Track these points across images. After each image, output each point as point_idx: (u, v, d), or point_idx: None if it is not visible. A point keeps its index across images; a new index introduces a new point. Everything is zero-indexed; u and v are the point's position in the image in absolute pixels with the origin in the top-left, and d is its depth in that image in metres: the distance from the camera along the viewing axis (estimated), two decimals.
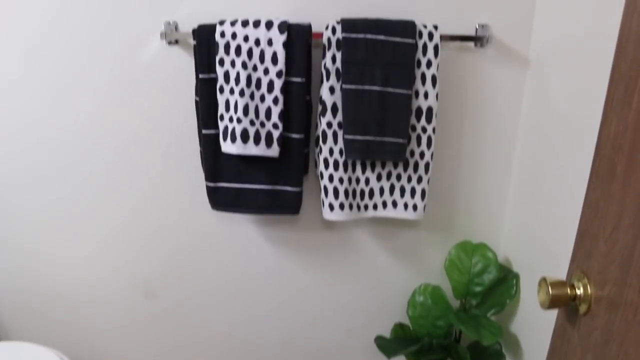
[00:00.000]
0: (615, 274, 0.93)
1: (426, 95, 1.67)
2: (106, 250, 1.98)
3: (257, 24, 1.61)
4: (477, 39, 1.72)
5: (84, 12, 1.71)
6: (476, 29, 1.73)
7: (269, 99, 1.64)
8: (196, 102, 1.72)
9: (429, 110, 1.68)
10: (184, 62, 1.76)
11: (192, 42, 1.67)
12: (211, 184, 1.75)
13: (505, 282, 1.88)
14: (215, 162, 1.73)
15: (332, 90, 1.65)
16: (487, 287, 1.86)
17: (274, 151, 1.67)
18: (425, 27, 1.64)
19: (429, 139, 1.70)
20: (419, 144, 1.71)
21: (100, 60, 1.76)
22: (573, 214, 1.48)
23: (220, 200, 1.77)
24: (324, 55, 1.64)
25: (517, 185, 1.88)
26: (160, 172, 1.89)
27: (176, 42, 1.74)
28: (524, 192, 1.83)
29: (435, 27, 1.65)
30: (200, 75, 1.66)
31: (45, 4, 1.70)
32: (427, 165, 1.73)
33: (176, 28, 1.73)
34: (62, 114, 1.81)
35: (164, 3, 1.71)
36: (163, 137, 1.84)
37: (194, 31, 1.65)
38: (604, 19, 1.35)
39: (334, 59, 1.63)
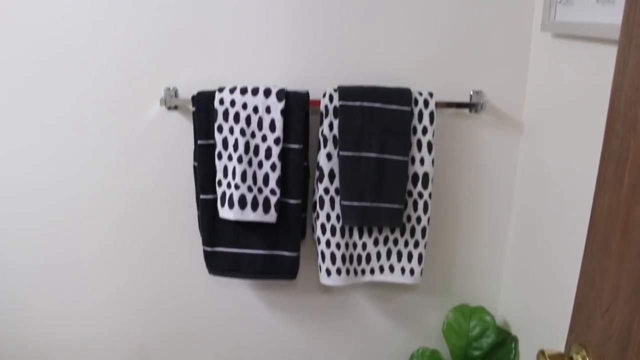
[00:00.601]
0: (614, 349, 0.93)
1: (422, 162, 1.69)
2: (102, 312, 1.96)
3: (255, 91, 1.64)
4: (472, 106, 1.75)
5: (85, 75, 1.74)
6: (471, 95, 1.76)
7: (266, 165, 1.65)
8: (194, 167, 1.73)
9: (425, 176, 1.69)
10: (183, 128, 1.79)
11: (191, 108, 1.70)
12: (208, 249, 1.75)
13: (504, 345, 1.86)
14: (212, 227, 1.73)
15: (329, 156, 1.67)
16: (486, 351, 1.84)
17: (272, 217, 1.68)
18: (420, 94, 1.67)
19: (426, 204, 1.72)
20: (415, 209, 1.72)
21: (100, 124, 1.78)
22: (570, 278, 1.48)
23: (217, 264, 1.77)
24: (321, 122, 1.66)
25: (513, 248, 1.88)
26: (158, 236, 1.89)
27: (175, 107, 1.77)
28: (520, 255, 1.83)
29: (431, 95, 1.68)
30: (199, 141, 1.68)
31: (45, 68, 1.73)
32: (423, 230, 1.74)
33: (176, 94, 1.75)
34: (60, 178, 1.82)
35: (165, 69, 1.74)
36: (161, 201, 1.85)
37: (193, 98, 1.67)
38: (595, 84, 1.38)
39: (331, 126, 1.66)
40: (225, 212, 1.67)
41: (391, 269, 1.78)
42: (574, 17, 1.43)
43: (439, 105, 1.71)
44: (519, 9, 1.71)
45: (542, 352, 1.06)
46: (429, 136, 1.68)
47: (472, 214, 1.89)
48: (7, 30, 1.70)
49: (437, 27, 1.72)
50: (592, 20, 1.34)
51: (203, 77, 1.75)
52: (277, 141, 1.64)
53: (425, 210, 1.72)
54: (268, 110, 1.63)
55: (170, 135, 1.79)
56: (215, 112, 1.65)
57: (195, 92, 1.68)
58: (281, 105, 1.62)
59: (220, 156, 1.66)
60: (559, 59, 1.57)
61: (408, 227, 1.74)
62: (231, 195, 1.66)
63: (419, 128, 1.67)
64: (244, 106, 1.63)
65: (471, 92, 1.77)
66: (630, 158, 0.89)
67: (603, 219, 0.97)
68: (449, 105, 1.74)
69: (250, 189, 1.66)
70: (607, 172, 0.95)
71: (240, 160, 1.64)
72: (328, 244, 1.71)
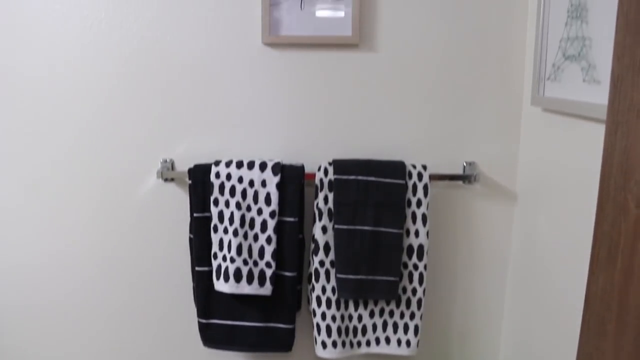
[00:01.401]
0: None
1: (417, 234, 1.69)
2: None
3: (251, 165, 1.66)
4: (465, 177, 1.77)
5: (82, 146, 1.77)
6: (464, 167, 1.79)
7: (262, 238, 1.66)
8: (190, 239, 1.74)
9: (420, 247, 1.70)
10: (179, 200, 1.80)
11: (187, 180, 1.71)
12: (203, 321, 1.74)
13: None
14: (207, 299, 1.73)
15: (324, 229, 1.67)
16: None
17: (267, 290, 1.67)
18: (414, 167, 1.69)
19: (421, 276, 1.71)
20: (410, 280, 1.72)
21: (97, 195, 1.80)
22: (569, 348, 1.47)
23: (212, 337, 1.75)
24: (316, 196, 1.67)
25: (510, 318, 1.87)
26: (153, 307, 1.88)
27: (172, 180, 1.78)
28: (518, 325, 1.82)
29: (424, 167, 1.70)
30: (195, 214, 1.69)
31: (43, 139, 1.77)
32: (419, 302, 1.73)
33: (172, 166, 1.78)
34: (56, 248, 1.83)
35: (162, 141, 1.77)
36: (156, 272, 1.85)
37: (189, 171, 1.69)
38: (586, 158, 1.40)
39: (326, 199, 1.67)
40: (220, 285, 1.67)
41: (387, 340, 1.76)
42: (562, 94, 1.46)
43: (432, 177, 1.73)
44: (510, 83, 1.75)
45: None
46: (423, 208, 1.69)
47: (468, 285, 1.89)
48: (4, 98, 1.74)
49: (429, 100, 1.76)
50: (578, 98, 1.36)
51: (200, 150, 1.78)
52: (272, 214, 1.65)
53: (421, 281, 1.72)
54: (264, 184, 1.65)
55: (167, 207, 1.81)
56: (211, 185, 1.66)
57: (191, 165, 1.71)
58: (277, 179, 1.64)
59: (215, 229, 1.67)
60: (550, 133, 1.60)
61: (404, 298, 1.73)
62: (227, 269, 1.66)
63: (414, 201, 1.69)
64: (240, 180, 1.65)
65: (464, 164, 1.79)
66: (622, 242, 0.89)
67: (598, 301, 0.97)
68: (443, 177, 1.76)
69: (245, 262, 1.66)
70: (599, 254, 0.96)
71: (235, 233, 1.65)
72: (324, 316, 1.70)
